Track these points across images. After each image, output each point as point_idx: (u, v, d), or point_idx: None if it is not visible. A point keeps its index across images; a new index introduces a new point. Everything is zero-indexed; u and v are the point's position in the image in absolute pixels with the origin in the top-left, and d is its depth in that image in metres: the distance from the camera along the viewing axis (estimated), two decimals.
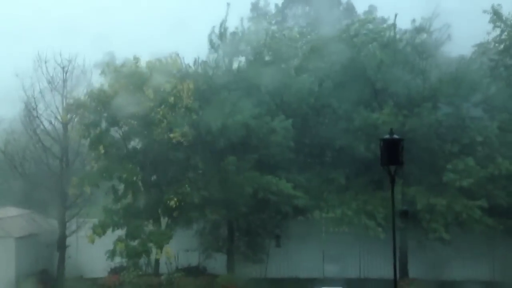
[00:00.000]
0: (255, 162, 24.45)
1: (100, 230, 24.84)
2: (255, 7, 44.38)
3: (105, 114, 26.15)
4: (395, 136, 15.11)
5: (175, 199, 24.78)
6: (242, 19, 27.39)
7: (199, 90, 25.43)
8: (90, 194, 26.41)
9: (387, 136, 15.13)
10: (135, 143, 27.27)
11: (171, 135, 24.47)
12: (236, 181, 23.69)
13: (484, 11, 25.33)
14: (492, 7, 25.25)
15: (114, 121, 26.26)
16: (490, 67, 25.73)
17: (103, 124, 26.44)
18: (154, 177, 26.63)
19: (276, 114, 24.33)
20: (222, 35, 26.59)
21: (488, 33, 25.75)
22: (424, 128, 23.16)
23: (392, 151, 14.89)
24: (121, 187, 26.12)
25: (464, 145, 23.65)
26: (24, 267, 25.43)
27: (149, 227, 25.80)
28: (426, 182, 23.72)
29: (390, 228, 14.37)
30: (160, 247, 24.58)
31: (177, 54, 27.22)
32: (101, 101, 25.96)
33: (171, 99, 25.01)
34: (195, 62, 27.46)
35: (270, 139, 23.75)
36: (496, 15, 25.22)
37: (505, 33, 25.64)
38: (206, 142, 24.63)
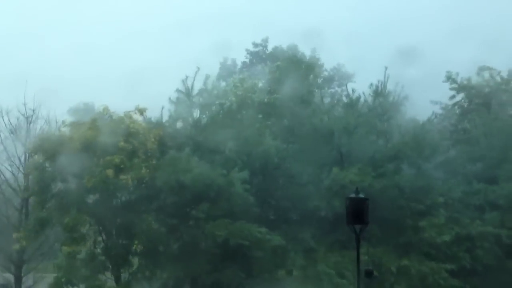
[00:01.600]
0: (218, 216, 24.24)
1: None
2: (223, 66, 45.46)
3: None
4: (361, 195, 15.31)
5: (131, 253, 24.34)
6: (207, 76, 27.61)
7: (160, 143, 25.33)
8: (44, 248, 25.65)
9: (352, 195, 15.33)
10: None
11: (124, 176, 23.81)
12: (206, 229, 23.32)
13: (445, 80, 26.40)
14: (450, 75, 26.38)
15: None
16: (451, 131, 26.63)
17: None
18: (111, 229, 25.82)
19: (240, 170, 24.36)
20: (188, 91, 26.72)
21: (450, 98, 26.78)
22: (389, 189, 23.47)
23: (358, 210, 15.07)
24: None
25: (428, 206, 24.02)
26: None
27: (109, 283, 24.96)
28: (392, 242, 23.87)
29: None
30: None
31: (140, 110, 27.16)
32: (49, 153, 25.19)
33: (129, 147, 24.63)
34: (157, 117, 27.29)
35: (229, 191, 23.60)
36: (454, 83, 26.38)
37: (462, 98, 26.73)
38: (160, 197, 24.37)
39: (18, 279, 27.19)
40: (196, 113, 27.12)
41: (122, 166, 24.08)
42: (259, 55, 47.25)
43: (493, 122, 27.79)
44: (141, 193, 25.00)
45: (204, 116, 27.44)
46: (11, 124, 29.38)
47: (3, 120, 29.25)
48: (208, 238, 23.35)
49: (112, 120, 25.67)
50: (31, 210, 26.86)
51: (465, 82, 28.55)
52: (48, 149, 25.06)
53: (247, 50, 48.29)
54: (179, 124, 27.29)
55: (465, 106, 28.19)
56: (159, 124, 26.48)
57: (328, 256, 23.82)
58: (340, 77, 27.22)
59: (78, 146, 24.31)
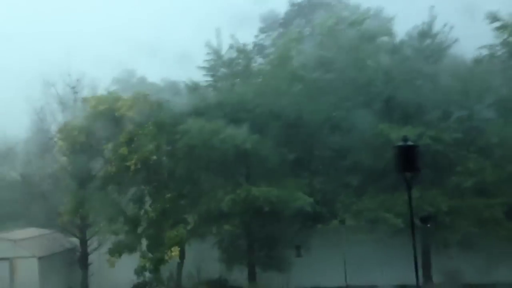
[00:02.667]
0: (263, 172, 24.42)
1: (116, 253, 25.30)
2: (263, 18, 44.61)
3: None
4: (410, 143, 15.15)
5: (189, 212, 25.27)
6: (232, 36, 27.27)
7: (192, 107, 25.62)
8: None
9: (401, 143, 15.17)
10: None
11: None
12: (249, 194, 23.55)
13: (486, 17, 25.17)
14: (492, 13, 25.12)
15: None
16: (501, 69, 25.64)
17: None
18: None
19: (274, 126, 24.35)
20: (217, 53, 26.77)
21: (497, 37, 25.62)
22: (439, 133, 23.04)
23: (407, 158, 14.94)
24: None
25: (480, 147, 23.56)
26: (48, 286, 25.67)
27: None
28: (443, 185, 23.65)
29: (410, 234, 14.43)
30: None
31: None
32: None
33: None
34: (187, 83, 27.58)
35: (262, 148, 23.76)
36: (498, 20, 25.17)
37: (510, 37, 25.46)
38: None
39: (84, 243, 28.47)
40: (231, 72, 27.13)
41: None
42: (302, 6, 45.94)
43: None
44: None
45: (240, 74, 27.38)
46: (58, 95, 30.28)
47: (50, 92, 30.15)
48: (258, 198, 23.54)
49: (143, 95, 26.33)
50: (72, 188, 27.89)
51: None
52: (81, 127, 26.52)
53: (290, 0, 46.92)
54: (213, 85, 27.36)
55: None
56: (194, 86, 26.86)
57: (379, 200, 23.72)
58: (380, 21, 26.23)
59: (112, 120, 25.45)
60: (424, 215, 21.17)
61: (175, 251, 24.91)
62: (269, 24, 45.13)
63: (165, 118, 25.52)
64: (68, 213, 26.55)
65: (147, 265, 24.84)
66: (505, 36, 25.28)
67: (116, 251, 25.40)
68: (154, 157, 25.16)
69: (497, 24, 25.06)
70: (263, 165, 24.20)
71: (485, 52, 25.90)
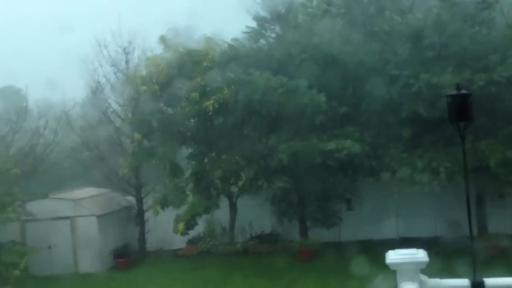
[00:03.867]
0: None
1: (158, 206, 26.08)
2: None
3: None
4: (463, 91, 14.65)
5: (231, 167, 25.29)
6: None
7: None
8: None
9: (454, 92, 14.69)
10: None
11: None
12: (301, 148, 23.50)
13: None
14: None
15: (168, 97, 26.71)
16: None
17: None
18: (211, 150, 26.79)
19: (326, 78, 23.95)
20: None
21: None
22: (494, 81, 22.10)
23: (461, 107, 14.42)
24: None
25: None
26: (107, 243, 26.77)
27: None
28: (500, 134, 22.84)
29: (464, 185, 14.13)
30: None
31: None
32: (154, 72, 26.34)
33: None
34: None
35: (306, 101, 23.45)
36: None
37: None
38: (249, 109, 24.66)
39: (140, 201, 29.37)
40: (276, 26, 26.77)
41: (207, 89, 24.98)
42: None
43: None
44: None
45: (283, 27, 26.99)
46: (110, 57, 30.73)
47: (103, 54, 30.61)
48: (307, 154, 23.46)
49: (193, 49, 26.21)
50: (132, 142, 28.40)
51: None
52: (141, 78, 26.44)
53: None
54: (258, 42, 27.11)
55: None
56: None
57: (426, 155, 23.23)
58: None
59: (168, 73, 25.43)
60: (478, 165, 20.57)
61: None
62: None
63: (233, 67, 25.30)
64: (128, 167, 26.94)
65: (198, 210, 25.20)
66: None
67: (163, 203, 25.96)
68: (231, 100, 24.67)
69: None
70: (316, 118, 23.89)
71: None
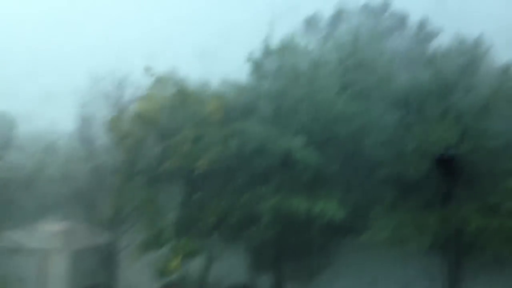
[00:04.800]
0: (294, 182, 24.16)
1: (142, 249, 25.40)
2: (308, 23, 43.80)
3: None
4: (449, 154, 14.58)
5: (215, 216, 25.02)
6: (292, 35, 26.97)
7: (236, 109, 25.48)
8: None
9: (440, 155, 14.64)
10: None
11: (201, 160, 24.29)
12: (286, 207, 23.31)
13: None
14: None
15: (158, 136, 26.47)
16: None
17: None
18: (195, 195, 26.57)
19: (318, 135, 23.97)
20: (267, 50, 26.37)
21: None
22: (478, 147, 22.07)
23: (446, 170, 14.38)
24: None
25: None
26: (79, 280, 26.21)
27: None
28: (479, 202, 22.63)
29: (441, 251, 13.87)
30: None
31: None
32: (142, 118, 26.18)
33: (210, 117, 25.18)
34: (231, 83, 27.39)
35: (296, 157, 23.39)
36: None
37: None
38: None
39: (117, 239, 28.88)
40: (272, 76, 26.79)
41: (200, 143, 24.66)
42: (346, 10, 45.14)
43: None
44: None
45: (279, 79, 27.02)
46: (104, 91, 30.75)
47: (98, 87, 30.64)
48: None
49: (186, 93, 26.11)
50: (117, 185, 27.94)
51: None
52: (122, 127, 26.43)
53: (336, 4, 45.88)
54: (253, 91, 27.08)
55: None
56: (239, 88, 26.66)
57: (408, 217, 23.00)
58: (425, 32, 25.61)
59: (162, 114, 25.33)
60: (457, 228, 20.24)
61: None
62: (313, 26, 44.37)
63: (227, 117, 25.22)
64: (111, 209, 26.62)
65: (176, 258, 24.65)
66: None
67: (145, 246, 25.46)
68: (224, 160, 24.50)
69: None
70: (304, 175, 23.85)
71: None
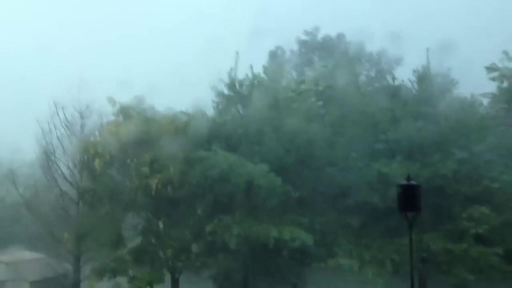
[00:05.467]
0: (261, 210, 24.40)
1: (95, 277, 25.09)
2: (273, 56, 44.71)
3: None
4: (413, 182, 15.09)
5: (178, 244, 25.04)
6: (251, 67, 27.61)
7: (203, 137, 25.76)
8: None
9: (404, 182, 15.11)
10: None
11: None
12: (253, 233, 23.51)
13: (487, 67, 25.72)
14: (491, 65, 25.63)
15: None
16: (504, 116, 25.80)
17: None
18: (159, 223, 26.60)
19: (284, 162, 24.35)
20: (232, 83, 26.82)
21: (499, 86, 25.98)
22: (437, 177, 23.05)
23: (410, 197, 14.83)
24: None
25: (480, 192, 23.46)
26: None
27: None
28: (443, 229, 23.48)
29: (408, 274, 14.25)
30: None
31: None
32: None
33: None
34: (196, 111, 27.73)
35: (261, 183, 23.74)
36: (496, 71, 25.64)
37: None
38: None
39: (77, 269, 28.09)
40: (240, 106, 27.22)
41: (154, 165, 25.00)
42: (309, 44, 46.27)
43: None
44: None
45: (248, 108, 27.48)
46: (66, 119, 30.26)
47: (59, 116, 30.13)
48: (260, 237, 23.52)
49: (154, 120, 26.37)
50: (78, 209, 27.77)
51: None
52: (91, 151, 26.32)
53: (297, 38, 47.01)
54: (222, 118, 27.42)
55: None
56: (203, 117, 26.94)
57: (373, 245, 23.60)
58: (385, 63, 26.65)
59: (122, 142, 25.42)
60: (423, 256, 20.98)
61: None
62: (276, 60, 45.45)
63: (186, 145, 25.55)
64: (72, 238, 26.14)
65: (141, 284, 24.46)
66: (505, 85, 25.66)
67: (101, 273, 25.09)
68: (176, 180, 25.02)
69: (494, 74, 25.56)
70: (269, 201, 24.13)
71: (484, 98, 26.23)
